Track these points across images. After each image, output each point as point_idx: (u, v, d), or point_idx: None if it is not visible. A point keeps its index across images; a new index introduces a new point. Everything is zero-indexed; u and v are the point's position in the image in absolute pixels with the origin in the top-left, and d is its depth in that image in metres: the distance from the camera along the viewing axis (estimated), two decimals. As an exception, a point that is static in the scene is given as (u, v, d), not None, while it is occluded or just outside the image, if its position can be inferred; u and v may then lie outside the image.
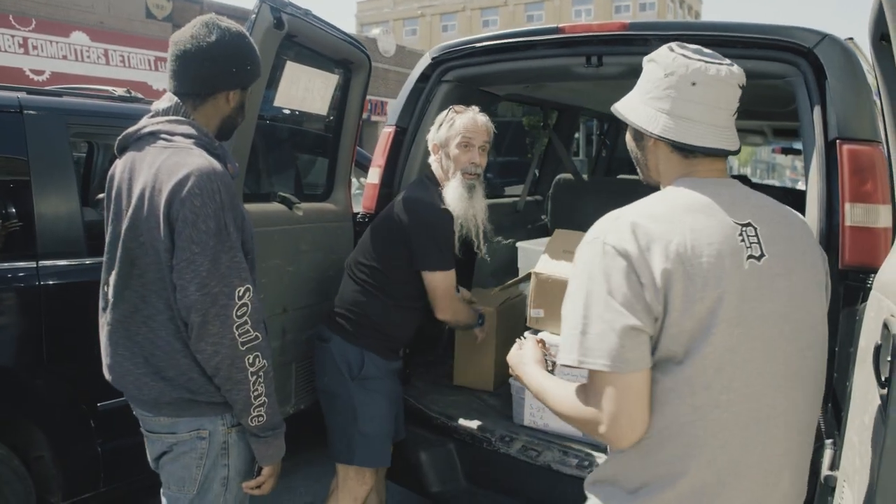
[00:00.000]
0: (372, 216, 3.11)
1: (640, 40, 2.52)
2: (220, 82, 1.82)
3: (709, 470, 1.31)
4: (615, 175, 5.80)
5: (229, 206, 1.70)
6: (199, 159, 1.70)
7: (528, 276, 2.92)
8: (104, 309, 1.86)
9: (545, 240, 3.78)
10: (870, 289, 1.75)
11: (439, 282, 2.53)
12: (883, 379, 1.35)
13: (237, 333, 1.69)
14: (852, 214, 2.10)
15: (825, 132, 2.18)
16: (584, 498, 1.56)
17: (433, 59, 3.07)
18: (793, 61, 2.27)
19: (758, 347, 1.33)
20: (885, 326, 1.61)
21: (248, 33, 1.86)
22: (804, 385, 1.41)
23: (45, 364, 2.70)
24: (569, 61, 2.73)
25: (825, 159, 2.17)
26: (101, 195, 4.45)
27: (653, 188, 1.58)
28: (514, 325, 3.23)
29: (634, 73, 2.69)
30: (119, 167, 1.83)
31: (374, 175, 3.13)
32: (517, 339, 1.79)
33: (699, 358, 1.29)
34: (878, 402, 1.65)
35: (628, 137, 1.55)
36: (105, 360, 1.86)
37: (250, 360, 1.73)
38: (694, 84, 1.41)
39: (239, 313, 1.69)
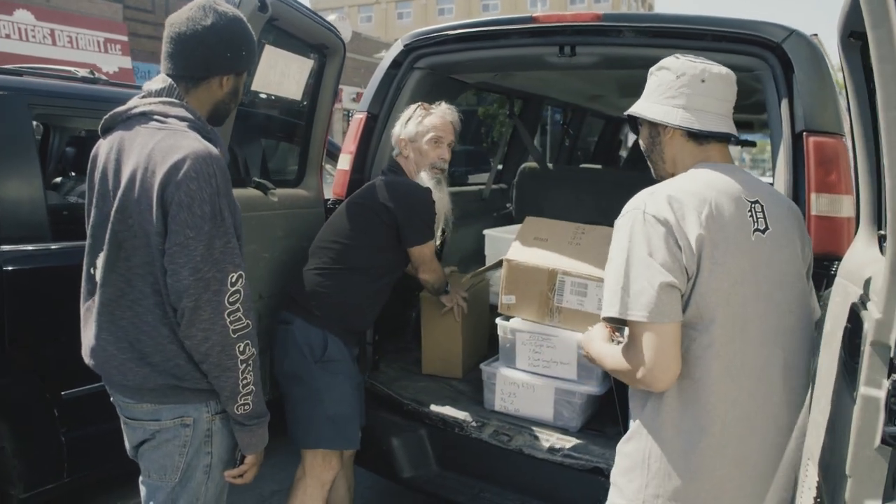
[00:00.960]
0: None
1: (614, 31, 2.57)
2: (215, 66, 1.80)
3: (735, 412, 1.56)
4: (577, 164, 5.88)
5: (224, 190, 1.68)
6: (194, 142, 1.67)
7: (499, 264, 2.95)
8: (89, 292, 1.82)
9: (513, 227, 3.82)
10: (834, 276, 1.85)
11: (427, 251, 2.70)
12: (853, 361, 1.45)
13: (229, 320, 1.68)
14: (818, 204, 2.19)
15: (792, 124, 2.25)
16: (556, 480, 1.75)
17: (405, 45, 3.07)
18: (761, 55, 2.34)
19: (761, 307, 1.58)
20: (853, 310, 1.69)
21: (244, 18, 1.83)
22: (795, 337, 1.66)
23: (5, 351, 2.62)
24: (542, 50, 2.77)
25: (792, 151, 2.25)
26: (58, 178, 4.35)
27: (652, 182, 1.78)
28: (479, 312, 3.26)
29: (606, 63, 2.78)
30: (104, 148, 1.79)
31: (344, 161, 3.12)
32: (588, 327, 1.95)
33: (727, 317, 1.54)
34: (843, 382, 1.73)
35: (643, 137, 1.78)
36: (86, 343, 1.82)
37: (241, 348, 1.72)
38: (703, 81, 1.68)
39: (231, 300, 1.68)
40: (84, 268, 1.84)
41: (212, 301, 1.66)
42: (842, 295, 1.94)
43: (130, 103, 1.78)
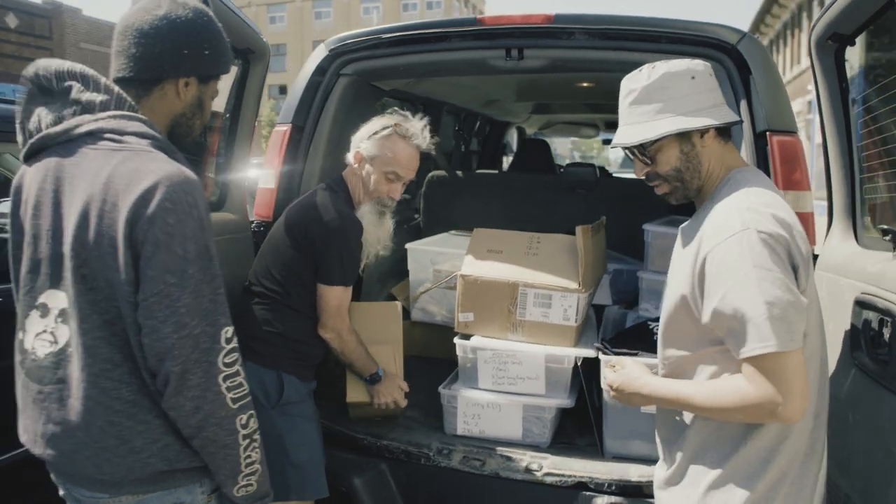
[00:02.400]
0: (269, 224, 2.82)
1: (565, 33, 2.51)
2: (167, 66, 1.48)
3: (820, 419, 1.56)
4: (470, 169, 5.83)
5: (208, 224, 1.40)
6: (165, 165, 1.37)
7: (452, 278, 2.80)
8: (22, 363, 1.46)
9: (434, 238, 3.68)
10: None
11: (334, 297, 2.34)
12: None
13: (225, 386, 1.40)
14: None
15: (753, 125, 2.30)
16: (538, 500, 1.98)
17: (331, 50, 2.84)
18: (716, 57, 2.37)
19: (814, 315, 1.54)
20: (858, 304, 1.73)
21: (210, 13, 1.53)
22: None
23: None
24: (486, 54, 2.65)
25: (754, 150, 2.29)
26: None
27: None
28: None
29: (555, 67, 2.71)
30: (32, 177, 1.44)
31: (269, 178, 2.84)
32: (608, 364, 1.80)
33: (811, 328, 1.47)
34: (850, 373, 1.77)
35: (670, 159, 1.62)
36: (33, 429, 1.45)
37: (242, 421, 1.44)
38: (710, 75, 1.62)
39: (227, 360, 1.40)
40: (17, 331, 1.48)
41: (202, 363, 1.37)
42: (833, 288, 2.00)
43: (72, 121, 1.42)
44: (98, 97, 1.44)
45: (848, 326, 1.82)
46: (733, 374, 1.48)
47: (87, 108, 1.43)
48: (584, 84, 4.19)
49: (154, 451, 1.42)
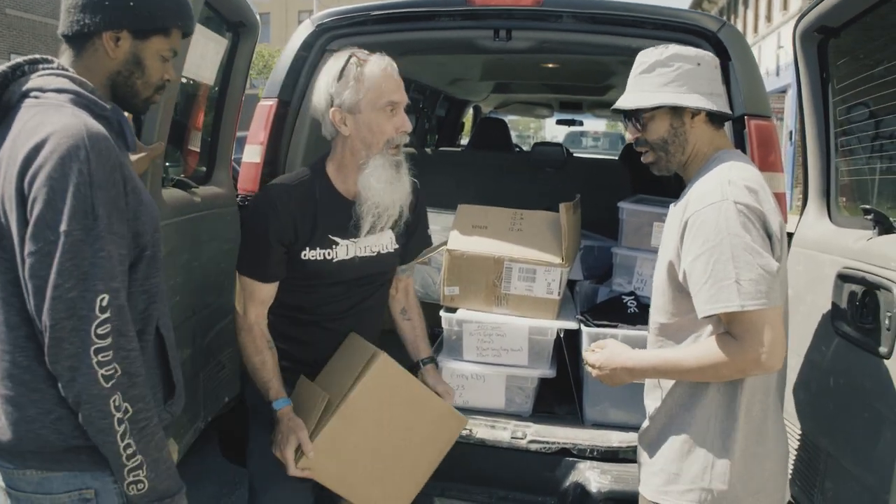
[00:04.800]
0: (254, 198, 2.82)
1: (553, 16, 2.58)
2: (91, 19, 1.41)
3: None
4: (431, 147, 5.87)
5: (102, 181, 1.29)
6: (67, 118, 1.31)
7: (439, 246, 2.82)
8: None
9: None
10: None
11: (241, 285, 2.07)
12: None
13: (96, 360, 1.28)
14: None
15: (731, 109, 2.42)
16: (522, 466, 2.24)
17: (317, 26, 2.83)
18: (698, 43, 2.47)
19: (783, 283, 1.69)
20: (841, 278, 1.89)
21: None
22: None
23: None
24: (474, 34, 2.70)
25: (732, 134, 2.42)
26: None
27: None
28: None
29: (542, 48, 2.78)
30: None
31: (254, 153, 2.83)
32: (589, 347, 1.90)
33: (783, 296, 1.62)
34: (831, 343, 1.93)
35: (660, 128, 1.76)
36: None
37: (116, 403, 1.30)
38: (715, 67, 1.78)
39: (100, 331, 1.28)
40: None
41: (78, 331, 1.27)
42: (811, 263, 2.16)
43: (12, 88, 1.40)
44: (22, 59, 1.42)
45: (828, 298, 1.97)
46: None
47: (25, 69, 1.41)
48: (550, 65, 4.28)
49: (46, 423, 1.34)
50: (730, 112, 1.77)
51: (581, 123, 9.60)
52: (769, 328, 1.52)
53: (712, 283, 1.54)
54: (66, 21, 1.43)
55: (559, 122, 9.18)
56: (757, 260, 1.52)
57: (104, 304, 1.28)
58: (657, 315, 1.80)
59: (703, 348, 1.62)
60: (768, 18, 22.50)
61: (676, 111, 1.73)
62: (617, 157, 5.47)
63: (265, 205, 2.02)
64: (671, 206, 1.84)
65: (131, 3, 1.42)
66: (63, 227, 1.26)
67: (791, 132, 14.03)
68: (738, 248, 1.53)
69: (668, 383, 1.75)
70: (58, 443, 1.35)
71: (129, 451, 1.33)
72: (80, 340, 1.27)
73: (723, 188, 1.60)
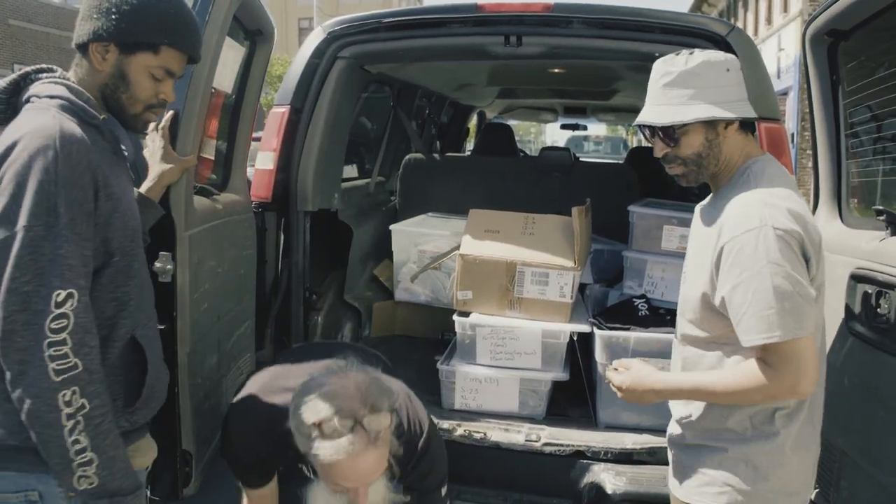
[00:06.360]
0: (268, 205, 2.85)
1: (564, 21, 2.60)
2: (84, 30, 1.46)
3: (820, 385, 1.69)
4: (437, 152, 5.89)
5: (67, 181, 1.32)
6: (46, 119, 1.35)
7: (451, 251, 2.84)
8: None
9: (415, 220, 3.76)
10: None
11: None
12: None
13: (48, 354, 1.29)
14: None
15: None
16: (537, 469, 2.19)
17: (329, 33, 2.87)
18: (707, 48, 2.51)
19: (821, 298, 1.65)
20: (854, 278, 1.91)
21: None
22: None
23: None
24: (485, 40, 2.73)
25: None
26: None
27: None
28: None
29: (552, 54, 2.81)
30: None
31: (267, 160, 2.86)
32: (608, 369, 1.86)
33: (818, 316, 1.59)
34: (849, 346, 1.95)
35: (698, 139, 1.67)
36: None
37: (66, 397, 1.30)
38: (740, 69, 1.71)
39: (54, 326, 1.30)
40: None
41: (31, 325, 1.29)
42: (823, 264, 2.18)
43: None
44: (31, 68, 1.49)
45: (842, 299, 1.99)
46: (746, 355, 1.59)
47: (26, 79, 1.48)
48: (556, 70, 4.31)
49: None
50: (755, 115, 1.71)
51: (585, 128, 9.61)
52: (804, 356, 1.51)
53: (752, 314, 1.51)
54: (75, 31, 1.49)
55: (563, 126, 9.19)
56: (797, 289, 1.49)
57: (59, 299, 1.30)
58: (686, 327, 1.77)
59: (735, 374, 1.60)
60: (768, 21, 22.49)
61: (711, 123, 1.65)
62: (621, 161, 5.47)
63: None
64: (697, 208, 1.82)
65: (114, 17, 1.44)
66: (23, 221, 1.29)
67: (793, 134, 14.04)
68: (778, 276, 1.49)
69: None
70: (7, 440, 1.35)
71: (78, 446, 1.33)
72: (31, 334, 1.29)
73: (761, 212, 1.54)
